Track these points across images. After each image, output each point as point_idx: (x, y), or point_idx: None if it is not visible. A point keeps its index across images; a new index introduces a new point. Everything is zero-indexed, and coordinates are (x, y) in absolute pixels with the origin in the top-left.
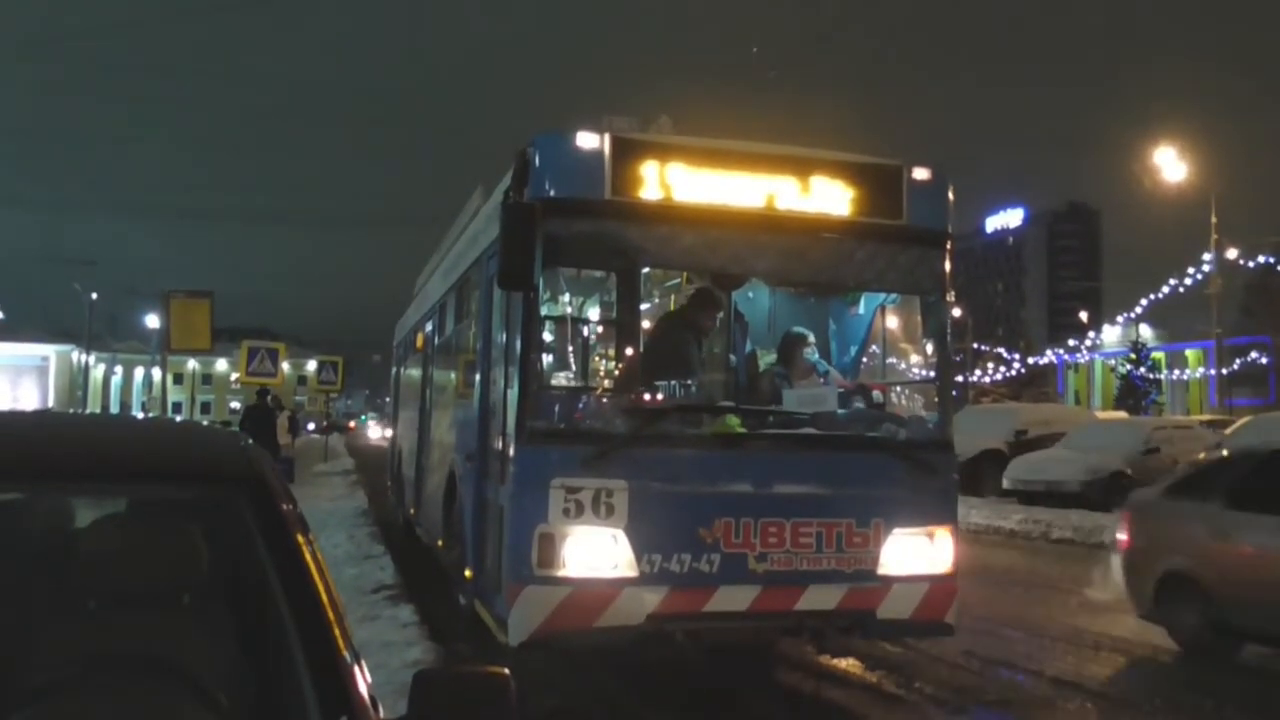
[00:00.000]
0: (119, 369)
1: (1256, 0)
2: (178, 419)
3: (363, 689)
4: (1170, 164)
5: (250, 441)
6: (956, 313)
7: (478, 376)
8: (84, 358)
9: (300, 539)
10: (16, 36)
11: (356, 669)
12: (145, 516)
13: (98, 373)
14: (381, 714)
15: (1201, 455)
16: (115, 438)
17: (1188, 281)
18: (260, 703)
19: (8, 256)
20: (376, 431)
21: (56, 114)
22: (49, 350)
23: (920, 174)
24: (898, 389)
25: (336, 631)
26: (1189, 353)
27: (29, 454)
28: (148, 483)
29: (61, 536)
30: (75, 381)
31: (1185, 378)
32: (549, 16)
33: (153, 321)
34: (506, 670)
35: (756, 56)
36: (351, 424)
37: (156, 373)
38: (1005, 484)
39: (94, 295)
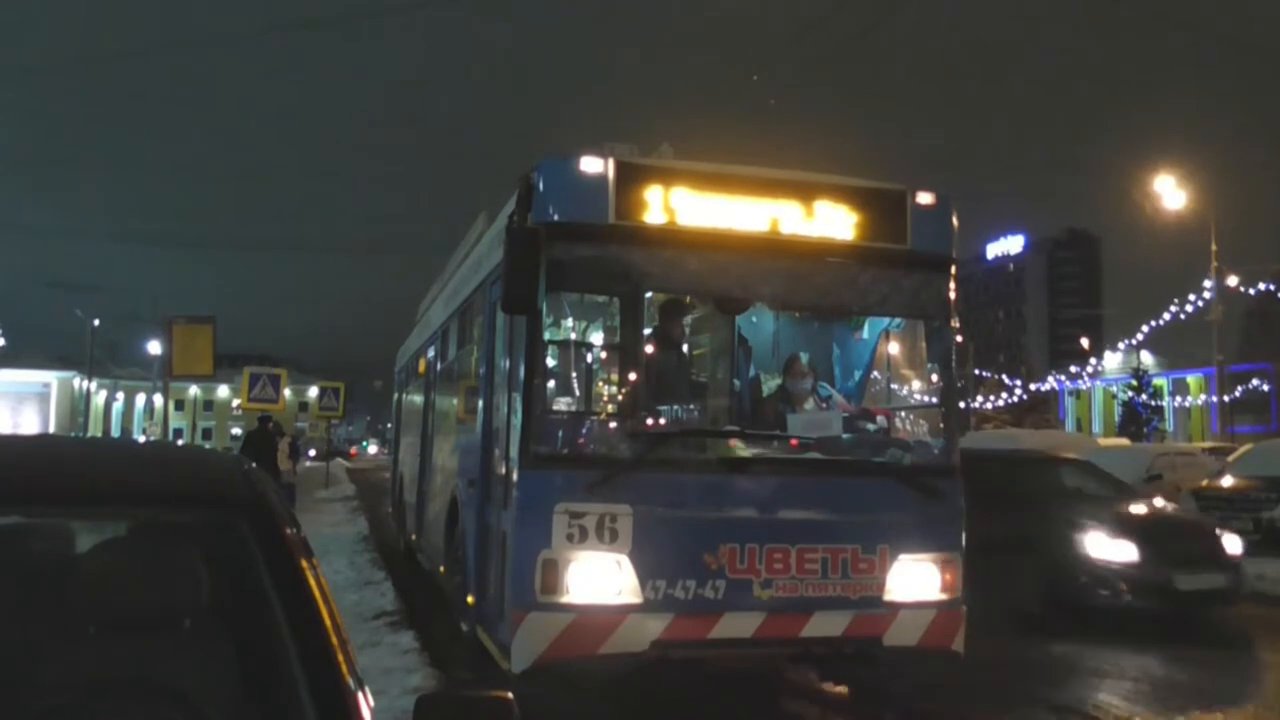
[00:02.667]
0: (120, 395)
1: (1256, 28)
2: (179, 443)
3: (366, 716)
4: (1170, 191)
5: (253, 465)
6: (959, 338)
7: (480, 401)
8: (85, 384)
9: (303, 563)
10: (17, 63)
11: (360, 695)
12: (146, 540)
13: (99, 399)
14: None
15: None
16: (116, 461)
17: (1189, 308)
18: None
19: (9, 283)
20: None
21: (58, 141)
22: (50, 377)
23: (924, 199)
24: (902, 414)
25: (340, 657)
26: (1191, 379)
27: (29, 477)
28: (149, 506)
29: (62, 560)
30: (77, 408)
31: (1187, 404)
32: (538, 46)
33: (154, 348)
34: (509, 695)
35: (756, 85)
36: (353, 450)
37: (158, 399)
38: None
39: (96, 321)
